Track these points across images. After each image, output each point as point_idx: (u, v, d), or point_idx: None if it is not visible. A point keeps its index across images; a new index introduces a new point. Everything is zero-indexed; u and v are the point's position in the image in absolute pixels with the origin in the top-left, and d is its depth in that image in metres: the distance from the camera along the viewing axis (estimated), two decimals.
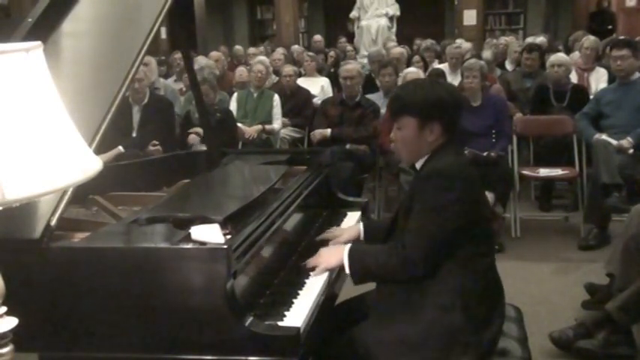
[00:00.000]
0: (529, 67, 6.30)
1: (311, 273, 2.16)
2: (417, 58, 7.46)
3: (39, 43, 1.22)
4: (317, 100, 6.28)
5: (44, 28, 2.21)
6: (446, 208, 1.95)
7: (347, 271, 2.09)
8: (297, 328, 1.78)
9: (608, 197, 4.28)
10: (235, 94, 6.03)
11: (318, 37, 11.63)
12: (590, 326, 2.98)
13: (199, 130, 4.73)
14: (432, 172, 2.02)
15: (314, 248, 2.34)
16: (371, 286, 2.20)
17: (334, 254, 2.16)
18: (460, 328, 1.95)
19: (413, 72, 5.62)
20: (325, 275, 2.19)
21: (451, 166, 2.01)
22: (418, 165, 2.12)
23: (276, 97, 5.81)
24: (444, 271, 1.98)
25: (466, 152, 4.57)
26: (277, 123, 5.74)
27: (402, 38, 10.52)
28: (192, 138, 5.07)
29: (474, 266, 2.00)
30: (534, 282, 3.95)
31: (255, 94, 5.86)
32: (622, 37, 7.00)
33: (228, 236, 1.94)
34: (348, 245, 2.16)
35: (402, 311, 1.99)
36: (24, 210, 1.68)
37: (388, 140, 2.21)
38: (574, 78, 5.90)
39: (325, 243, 2.44)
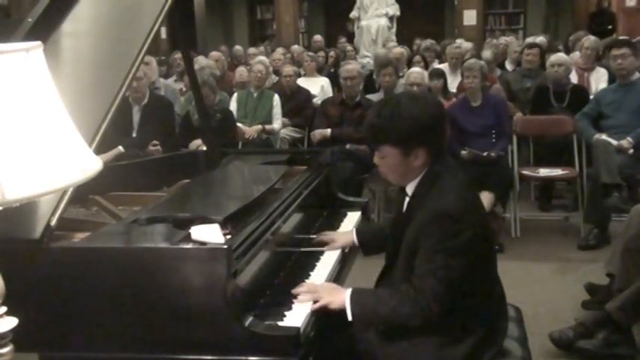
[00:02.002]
0: (530, 63, 6.29)
1: (310, 308, 1.94)
2: (417, 58, 7.46)
3: (39, 43, 1.22)
4: (317, 100, 6.28)
5: (44, 28, 2.21)
6: (459, 252, 1.86)
7: (349, 316, 1.93)
8: (297, 328, 1.78)
9: (608, 197, 4.28)
10: (235, 94, 6.03)
11: (318, 37, 11.64)
12: (590, 326, 2.98)
13: (200, 142, 4.71)
14: (439, 214, 1.88)
15: (312, 251, 2.34)
16: (370, 285, 2.20)
17: (335, 294, 1.97)
18: (467, 339, 1.94)
19: (417, 71, 5.61)
20: (325, 275, 2.19)
21: (457, 204, 1.89)
22: (409, 189, 2.03)
23: (276, 97, 5.81)
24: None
25: (466, 152, 4.58)
26: (277, 123, 5.74)
27: (402, 38, 10.52)
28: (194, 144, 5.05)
29: (478, 289, 1.97)
30: (534, 282, 3.95)
31: (255, 94, 5.86)
32: (621, 37, 7.01)
33: (228, 236, 1.94)
34: (350, 289, 2.00)
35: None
36: (24, 210, 1.67)
37: None
38: (574, 78, 5.90)
39: (322, 245, 2.43)
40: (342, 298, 1.95)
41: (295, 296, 2.00)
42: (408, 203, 2.05)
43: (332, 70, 8.26)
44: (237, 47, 10.41)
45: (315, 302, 1.95)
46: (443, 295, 1.86)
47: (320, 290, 2.00)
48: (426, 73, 5.78)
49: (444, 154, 2.03)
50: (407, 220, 2.01)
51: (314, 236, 2.51)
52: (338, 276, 2.30)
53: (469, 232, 1.87)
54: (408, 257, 1.95)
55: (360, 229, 2.51)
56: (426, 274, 1.88)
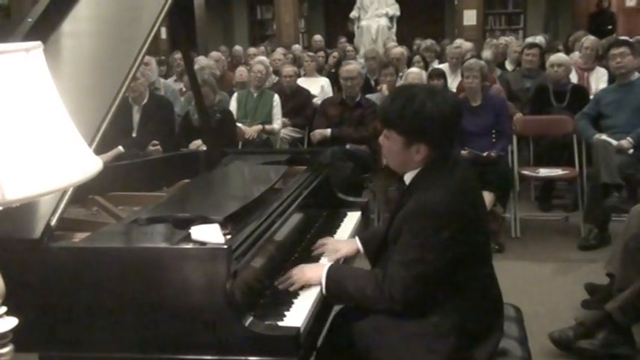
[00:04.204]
0: (529, 62, 6.27)
1: (290, 288, 2.05)
2: (417, 58, 7.46)
3: (39, 43, 1.22)
4: (317, 100, 6.28)
5: (44, 28, 2.21)
6: (436, 248, 1.87)
7: (323, 290, 2.03)
8: (297, 328, 1.78)
9: (608, 197, 4.28)
10: (235, 94, 6.03)
11: (318, 37, 11.63)
12: (590, 326, 2.98)
13: (200, 142, 4.71)
14: (422, 208, 1.90)
15: (311, 258, 2.34)
16: None
17: (314, 271, 2.08)
18: (456, 334, 1.93)
19: (415, 72, 5.60)
20: (325, 275, 2.19)
21: (443, 201, 1.88)
22: (407, 178, 2.04)
23: (276, 97, 5.81)
24: (438, 292, 1.94)
25: (466, 152, 4.57)
26: (277, 123, 5.74)
27: (402, 38, 10.52)
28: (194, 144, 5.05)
29: (470, 286, 1.97)
30: (534, 282, 3.95)
31: (255, 94, 5.86)
32: (620, 38, 7.02)
33: (228, 236, 1.94)
34: (328, 264, 2.11)
35: (401, 312, 1.97)
36: (24, 210, 1.67)
37: None
38: (574, 78, 5.90)
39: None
40: (319, 272, 2.04)
41: (295, 296, 2.01)
42: (403, 192, 2.08)
43: (332, 70, 8.26)
44: (237, 47, 10.40)
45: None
46: (411, 287, 1.89)
47: (300, 270, 2.09)
48: (424, 74, 5.77)
49: (449, 152, 2.03)
50: (398, 208, 2.04)
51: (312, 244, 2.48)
52: None
53: (449, 232, 1.87)
54: (393, 244, 1.99)
55: (362, 236, 2.47)
56: (398, 264, 1.91)
